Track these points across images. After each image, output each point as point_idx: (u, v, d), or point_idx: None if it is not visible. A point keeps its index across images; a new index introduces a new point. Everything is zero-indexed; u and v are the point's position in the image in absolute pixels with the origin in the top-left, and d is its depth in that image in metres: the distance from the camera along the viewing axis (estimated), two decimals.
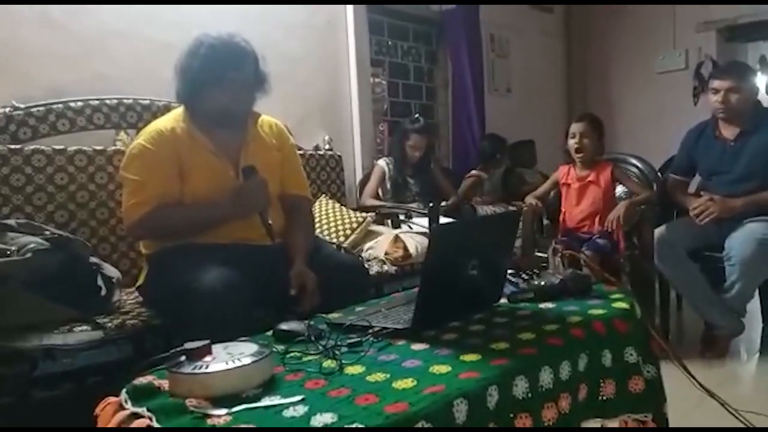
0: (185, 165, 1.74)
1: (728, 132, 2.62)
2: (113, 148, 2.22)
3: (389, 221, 2.99)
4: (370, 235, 2.72)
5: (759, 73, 5.45)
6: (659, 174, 2.99)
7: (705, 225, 2.49)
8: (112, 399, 0.99)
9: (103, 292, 1.74)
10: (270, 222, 1.73)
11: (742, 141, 2.58)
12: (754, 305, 2.70)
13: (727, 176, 2.60)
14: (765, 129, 2.54)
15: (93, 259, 1.80)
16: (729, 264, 2.42)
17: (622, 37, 4.86)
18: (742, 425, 1.47)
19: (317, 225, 2.70)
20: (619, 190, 2.90)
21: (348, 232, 2.68)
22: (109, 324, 1.63)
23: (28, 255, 1.56)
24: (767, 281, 2.47)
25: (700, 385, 1.41)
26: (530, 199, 2.89)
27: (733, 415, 1.46)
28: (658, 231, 2.63)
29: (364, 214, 2.80)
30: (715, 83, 2.59)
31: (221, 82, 1.72)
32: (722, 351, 2.57)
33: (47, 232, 1.69)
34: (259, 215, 1.72)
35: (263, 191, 1.73)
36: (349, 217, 2.75)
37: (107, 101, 2.27)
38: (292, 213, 1.92)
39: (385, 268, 2.44)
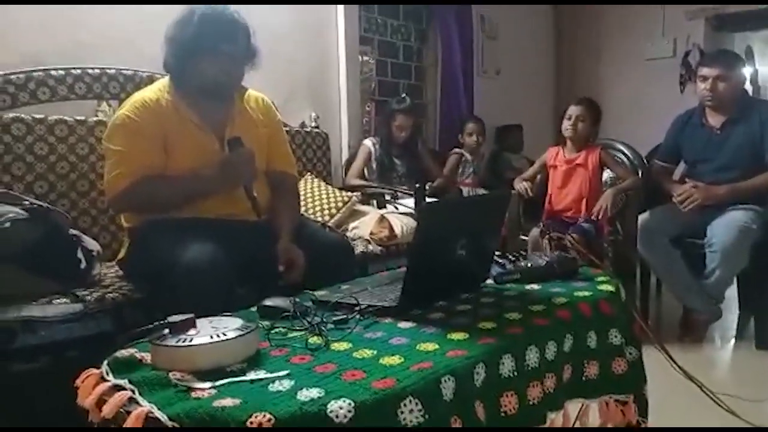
0: (169, 137, 1.71)
1: (714, 120, 2.64)
2: (95, 118, 2.17)
3: (374, 201, 2.98)
4: (355, 214, 2.71)
5: (744, 63, 5.50)
6: (645, 161, 3.00)
7: (688, 212, 2.52)
8: (93, 371, 0.97)
9: (83, 265, 1.70)
10: (255, 195, 1.70)
11: (727, 130, 2.60)
12: (732, 292, 2.75)
13: (712, 164, 2.62)
14: (750, 118, 2.56)
15: (73, 232, 1.76)
16: (710, 251, 2.46)
17: (612, 22, 4.86)
18: (719, 408, 1.49)
19: (302, 203, 2.68)
20: (605, 175, 2.92)
21: (333, 211, 2.67)
22: (89, 297, 1.61)
23: (6, 225, 1.52)
24: (745, 268, 2.51)
25: (679, 367, 1.44)
26: (520, 184, 2.89)
27: (710, 397, 1.49)
28: (642, 217, 2.65)
29: (349, 194, 2.78)
30: (704, 71, 2.60)
31: (213, 54, 1.68)
32: (700, 335, 2.62)
33: (26, 203, 1.65)
34: (245, 188, 1.70)
35: (249, 164, 1.71)
36: (335, 196, 2.73)
37: (89, 71, 2.21)
38: (277, 190, 1.90)
39: (370, 248, 2.43)
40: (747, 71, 5.45)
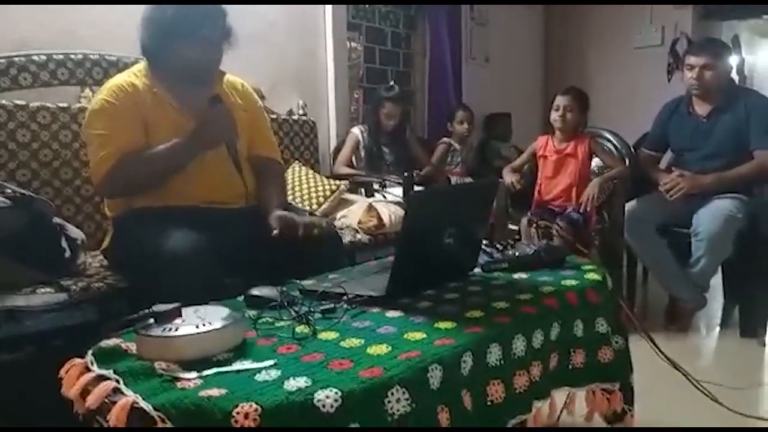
0: (149, 121, 1.69)
1: (701, 109, 2.65)
2: (78, 105, 2.13)
3: (363, 190, 2.97)
4: (343, 203, 2.69)
5: (731, 52, 5.53)
6: (632, 149, 3.01)
7: (674, 201, 2.53)
8: (77, 361, 0.96)
9: (68, 253, 1.68)
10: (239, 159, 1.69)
11: (714, 118, 2.61)
12: (717, 281, 2.77)
13: (699, 153, 2.63)
14: (736, 107, 2.57)
15: (57, 220, 1.73)
16: (696, 239, 2.47)
17: (600, 10, 4.85)
18: (703, 395, 1.51)
19: (290, 192, 2.66)
20: (593, 163, 2.92)
21: (321, 199, 2.65)
22: (74, 286, 1.59)
23: None
24: (730, 257, 2.53)
25: (664, 356, 1.45)
26: (508, 177, 2.87)
27: (695, 385, 1.50)
28: (629, 206, 2.66)
29: (337, 182, 2.76)
30: (691, 59, 2.61)
31: (193, 37, 1.66)
32: (685, 324, 2.64)
33: (8, 191, 1.62)
34: (227, 148, 1.68)
35: (229, 119, 1.68)
36: (323, 185, 2.71)
37: (72, 56, 2.17)
38: (263, 175, 1.88)
39: (359, 237, 2.42)
40: (734, 60, 5.48)
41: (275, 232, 1.61)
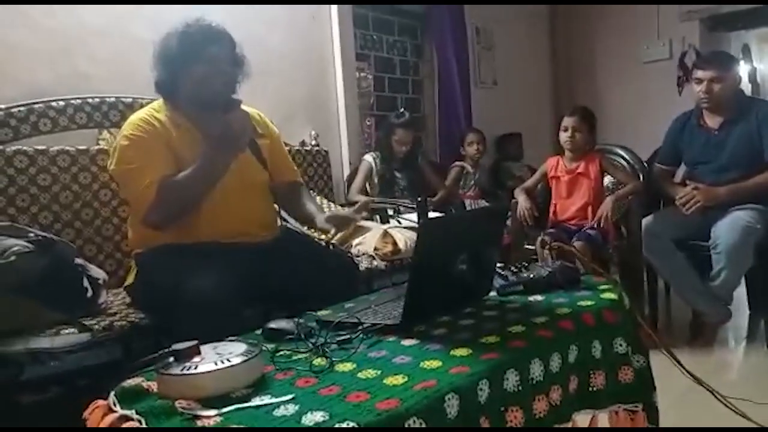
0: (176, 153, 1.71)
1: (712, 121, 2.64)
2: (96, 147, 2.19)
3: (378, 216, 2.98)
4: (358, 230, 2.71)
5: (742, 62, 5.51)
6: (646, 164, 3.00)
7: (691, 214, 2.51)
8: (100, 402, 0.97)
9: (90, 293, 1.72)
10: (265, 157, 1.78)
11: (725, 130, 2.60)
12: (741, 292, 2.73)
13: (712, 165, 2.62)
14: (747, 118, 2.56)
15: (78, 261, 1.77)
16: (715, 252, 2.44)
17: (607, 26, 4.87)
18: (731, 411, 1.48)
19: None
20: (606, 180, 2.92)
21: None
22: (96, 326, 1.61)
23: (12, 258, 1.54)
24: (753, 268, 2.50)
25: (688, 372, 1.42)
26: (522, 203, 2.85)
27: (721, 401, 1.47)
28: (646, 221, 2.64)
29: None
30: (699, 73, 2.61)
31: (201, 58, 1.71)
32: (710, 338, 2.60)
33: (31, 235, 1.67)
34: (251, 150, 1.72)
35: (247, 121, 1.69)
36: None
37: (89, 100, 2.24)
38: (294, 196, 1.98)
39: (375, 263, 2.43)
40: (745, 69, 5.47)
41: (333, 231, 1.72)
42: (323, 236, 2.58)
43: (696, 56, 4.29)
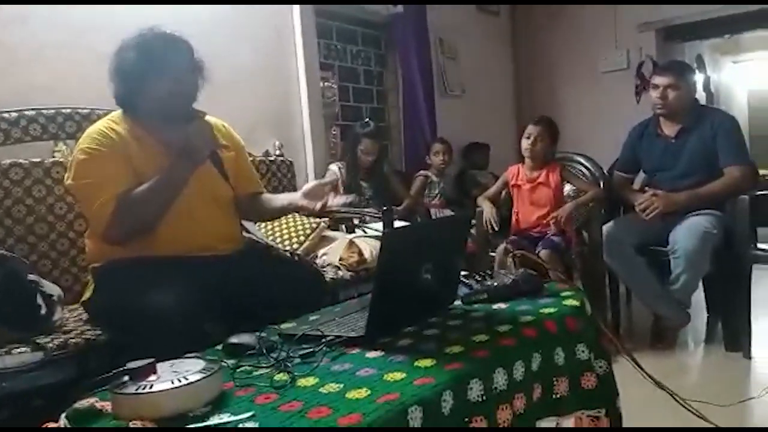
0: (135, 165, 1.67)
1: (669, 129, 2.71)
2: (51, 159, 2.13)
3: (343, 226, 2.97)
4: (324, 240, 2.69)
5: (696, 71, 5.68)
6: (606, 172, 3.06)
7: (650, 220, 2.56)
8: (51, 424, 0.93)
9: (43, 310, 1.65)
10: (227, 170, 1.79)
11: (682, 138, 2.67)
12: (699, 296, 2.79)
13: (670, 172, 2.68)
14: (703, 126, 2.63)
15: (32, 277, 1.71)
16: (674, 257, 2.50)
17: (566, 37, 4.97)
18: (692, 414, 1.51)
19: (270, 231, 2.66)
20: (567, 188, 2.97)
21: (302, 238, 2.65)
22: (50, 344, 1.56)
23: None
24: (709, 273, 2.56)
25: (649, 376, 1.45)
26: (486, 221, 2.87)
27: (682, 405, 1.50)
28: (606, 227, 2.69)
29: (317, 220, 2.76)
30: (656, 79, 2.69)
31: (161, 68, 1.66)
32: (670, 342, 2.65)
33: None
34: (213, 162, 1.73)
35: (210, 130, 1.68)
36: (302, 224, 2.71)
37: (44, 111, 2.17)
38: (259, 201, 1.95)
39: (340, 273, 2.41)
40: (699, 78, 5.63)
41: (319, 205, 1.71)
42: (288, 247, 2.56)
43: (653, 66, 4.41)
